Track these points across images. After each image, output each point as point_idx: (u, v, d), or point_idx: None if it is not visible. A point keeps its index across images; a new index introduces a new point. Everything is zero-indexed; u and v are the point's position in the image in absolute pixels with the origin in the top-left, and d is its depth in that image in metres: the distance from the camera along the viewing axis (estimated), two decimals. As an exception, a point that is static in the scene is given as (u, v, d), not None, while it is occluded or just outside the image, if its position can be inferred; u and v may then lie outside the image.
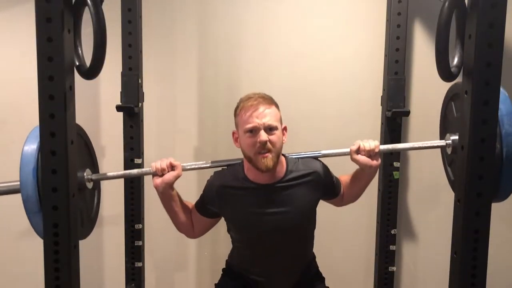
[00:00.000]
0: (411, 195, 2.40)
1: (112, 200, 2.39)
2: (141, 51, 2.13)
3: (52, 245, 1.25)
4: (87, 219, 1.60)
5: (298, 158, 1.65)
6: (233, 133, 1.62)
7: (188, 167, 1.63)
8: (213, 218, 1.69)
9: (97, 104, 2.35)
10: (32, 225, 1.36)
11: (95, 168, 1.68)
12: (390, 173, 2.20)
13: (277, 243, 1.60)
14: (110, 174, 1.64)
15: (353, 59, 2.32)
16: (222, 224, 2.46)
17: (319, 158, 1.68)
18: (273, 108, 1.55)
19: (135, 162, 2.16)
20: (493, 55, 1.21)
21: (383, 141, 2.20)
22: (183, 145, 2.39)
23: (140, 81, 2.12)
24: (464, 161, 1.27)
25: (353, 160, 1.58)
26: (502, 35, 1.21)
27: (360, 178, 1.66)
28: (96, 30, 1.33)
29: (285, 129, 1.60)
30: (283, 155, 1.62)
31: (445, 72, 1.35)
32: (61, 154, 1.23)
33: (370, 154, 1.56)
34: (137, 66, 2.09)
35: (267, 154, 1.50)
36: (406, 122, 2.33)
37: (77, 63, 1.37)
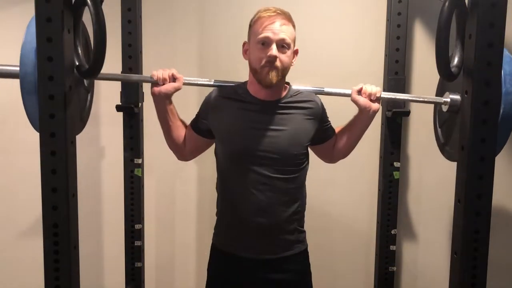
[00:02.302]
0: (411, 195, 2.40)
1: (112, 200, 2.40)
2: (141, 51, 2.13)
3: (52, 246, 1.25)
4: (79, 117, 1.57)
5: (300, 90, 1.64)
6: (244, 44, 1.60)
7: (191, 82, 1.62)
8: (205, 138, 1.64)
9: (97, 104, 2.35)
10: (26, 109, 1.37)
11: None
12: (391, 173, 2.20)
13: (263, 169, 1.52)
14: (107, 74, 1.61)
15: (353, 59, 2.32)
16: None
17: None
18: (290, 26, 1.52)
19: (135, 162, 2.16)
20: (493, 55, 1.21)
21: (383, 141, 2.21)
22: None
23: (140, 81, 2.12)
24: (464, 161, 1.27)
25: (353, 100, 1.60)
26: (502, 35, 1.20)
27: (356, 124, 1.65)
28: (96, 30, 1.33)
29: (296, 52, 1.59)
30: (287, 83, 1.62)
31: (445, 72, 1.35)
32: (61, 155, 1.23)
33: (371, 98, 1.58)
34: (137, 66, 2.09)
35: (273, 70, 1.49)
36: (406, 122, 2.33)
37: (77, 63, 1.37)
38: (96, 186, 2.43)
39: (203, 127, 1.63)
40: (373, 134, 2.27)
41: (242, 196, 1.55)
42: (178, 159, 1.74)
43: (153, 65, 2.28)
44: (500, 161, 1.56)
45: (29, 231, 2.44)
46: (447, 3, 1.28)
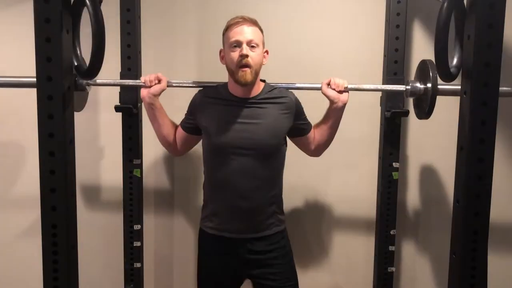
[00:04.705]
0: (410, 195, 2.40)
1: (111, 201, 2.40)
2: (140, 52, 2.13)
3: (50, 246, 1.25)
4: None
5: (275, 86, 1.82)
6: (220, 51, 1.81)
7: (174, 84, 1.84)
8: (194, 135, 1.84)
9: (96, 104, 2.35)
10: None
11: None
12: (390, 173, 2.20)
13: (244, 158, 1.70)
14: (104, 81, 1.87)
15: (352, 60, 2.31)
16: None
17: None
18: (256, 28, 1.73)
19: (134, 162, 2.15)
20: (492, 56, 1.21)
21: (382, 142, 2.20)
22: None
23: (139, 82, 2.12)
24: (463, 162, 1.27)
25: (323, 92, 1.78)
26: (501, 36, 1.21)
27: (328, 117, 1.82)
28: (95, 30, 1.33)
29: (267, 52, 1.80)
30: (263, 80, 1.80)
31: (444, 73, 1.35)
32: (60, 155, 1.23)
33: (339, 89, 1.76)
34: (136, 67, 2.09)
35: (246, 69, 1.67)
36: (406, 123, 2.33)
37: (76, 63, 1.38)
38: (95, 187, 2.43)
39: (191, 126, 1.83)
40: (372, 135, 2.27)
41: (225, 184, 1.73)
42: (172, 154, 1.97)
43: (152, 66, 2.30)
44: (499, 161, 1.57)
45: (28, 231, 2.44)
46: (445, 4, 1.29)
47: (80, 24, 1.40)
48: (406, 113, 2.15)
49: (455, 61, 1.38)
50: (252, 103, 1.74)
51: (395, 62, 2.13)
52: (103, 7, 1.40)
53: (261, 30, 1.75)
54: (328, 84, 1.78)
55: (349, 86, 1.78)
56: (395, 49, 2.13)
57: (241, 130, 1.71)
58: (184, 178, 2.42)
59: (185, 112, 1.86)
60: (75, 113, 1.33)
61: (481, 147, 1.24)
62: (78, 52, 1.41)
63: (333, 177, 2.38)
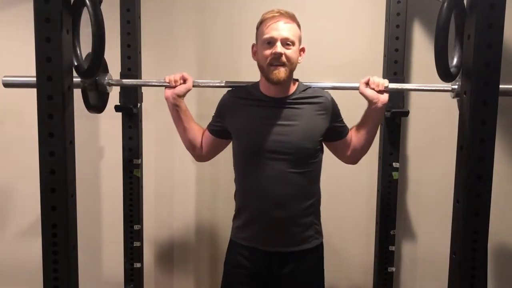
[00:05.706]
0: (410, 195, 2.40)
1: (111, 201, 2.40)
2: (140, 52, 2.13)
3: (50, 246, 1.25)
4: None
5: (309, 85, 1.68)
6: (252, 46, 1.66)
7: (201, 84, 1.75)
8: (222, 139, 1.71)
9: (96, 105, 2.35)
10: None
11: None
12: (389, 173, 2.20)
13: (279, 163, 1.57)
14: (129, 81, 1.91)
15: (352, 60, 2.31)
16: (222, 227, 2.46)
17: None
18: (294, 24, 1.58)
19: (134, 162, 2.15)
20: (492, 56, 1.21)
21: (382, 142, 2.20)
22: (183, 146, 2.39)
23: (139, 82, 2.11)
24: (463, 161, 1.27)
25: (361, 92, 1.64)
26: (501, 36, 1.21)
27: (367, 118, 1.67)
28: (95, 30, 1.33)
29: (303, 50, 1.64)
30: (296, 80, 1.67)
31: (444, 73, 1.35)
32: (60, 155, 1.23)
33: (379, 88, 1.62)
34: (136, 67, 2.09)
35: (279, 67, 1.54)
36: (405, 123, 2.33)
37: (76, 63, 1.37)
38: (95, 187, 2.43)
39: (219, 129, 1.70)
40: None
41: (259, 191, 1.60)
42: (196, 160, 1.81)
43: (152, 66, 2.30)
44: (499, 161, 1.56)
45: (28, 231, 2.44)
46: (445, 4, 1.29)
47: (80, 24, 1.40)
48: (406, 113, 2.15)
49: (455, 61, 1.38)
50: (286, 103, 1.61)
51: (395, 62, 2.13)
52: (103, 7, 1.40)
53: (299, 26, 1.60)
54: (367, 84, 1.63)
55: (390, 85, 1.65)
56: (395, 49, 2.13)
57: (276, 133, 1.58)
58: (184, 178, 2.42)
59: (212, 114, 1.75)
60: (75, 113, 1.33)
61: (481, 147, 1.24)
62: (78, 52, 1.41)
63: (332, 176, 2.38)
